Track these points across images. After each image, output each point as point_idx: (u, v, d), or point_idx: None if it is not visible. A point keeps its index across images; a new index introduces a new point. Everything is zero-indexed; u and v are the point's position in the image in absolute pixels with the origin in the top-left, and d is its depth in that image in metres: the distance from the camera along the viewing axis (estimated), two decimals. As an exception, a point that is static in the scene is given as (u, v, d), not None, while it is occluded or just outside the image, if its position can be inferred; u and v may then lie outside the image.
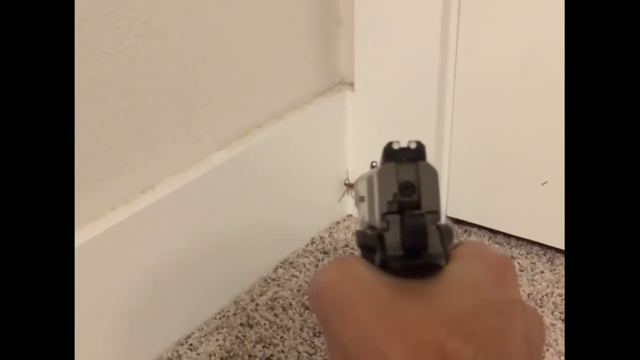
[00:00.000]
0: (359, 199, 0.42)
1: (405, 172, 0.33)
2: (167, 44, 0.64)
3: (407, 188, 0.33)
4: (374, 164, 0.45)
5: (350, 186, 0.89)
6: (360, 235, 0.37)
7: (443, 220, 0.90)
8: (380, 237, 0.33)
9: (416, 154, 0.34)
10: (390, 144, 0.34)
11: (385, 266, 0.32)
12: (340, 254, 0.83)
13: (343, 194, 0.89)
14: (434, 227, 0.32)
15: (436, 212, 0.33)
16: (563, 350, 0.68)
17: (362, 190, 0.39)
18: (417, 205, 0.33)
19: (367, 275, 0.32)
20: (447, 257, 0.33)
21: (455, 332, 0.29)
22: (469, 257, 0.34)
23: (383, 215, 0.33)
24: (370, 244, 0.34)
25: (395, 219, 0.33)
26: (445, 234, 0.33)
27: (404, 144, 0.34)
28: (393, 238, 0.32)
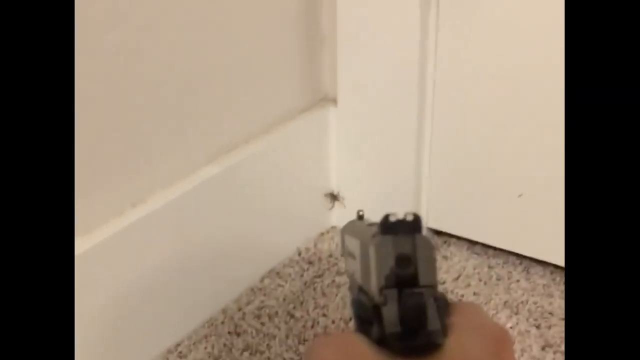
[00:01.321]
0: (349, 255, 0.43)
1: (403, 244, 0.34)
2: (159, 62, 0.67)
3: (404, 260, 0.34)
4: (360, 213, 0.46)
5: (334, 197, 0.91)
6: (357, 306, 0.38)
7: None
8: (378, 312, 0.33)
9: (413, 226, 0.34)
10: (387, 217, 0.34)
11: (382, 342, 0.33)
12: (324, 264, 0.86)
13: (332, 205, 0.92)
14: (432, 300, 0.33)
15: (433, 286, 0.34)
16: (537, 355, 0.71)
17: (354, 249, 0.40)
18: (414, 277, 0.33)
19: (366, 354, 0.33)
20: (445, 330, 0.33)
21: None
22: (466, 330, 0.34)
23: (381, 290, 0.33)
24: (367, 317, 0.34)
25: (393, 293, 0.33)
26: (442, 306, 0.33)
27: (400, 216, 0.35)
28: (391, 314, 0.32)
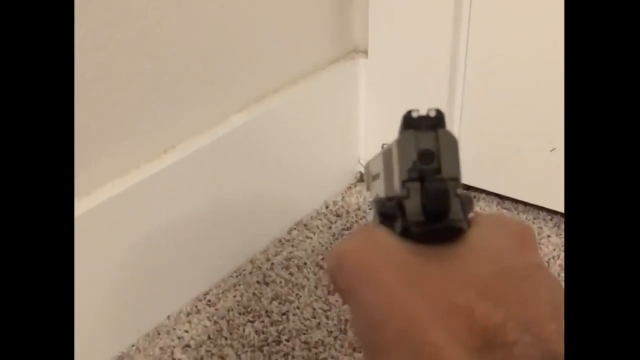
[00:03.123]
0: (372, 178, 0.42)
1: (425, 140, 0.33)
2: (192, 9, 0.66)
3: (427, 156, 0.33)
4: (384, 146, 0.46)
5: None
6: (380, 204, 0.36)
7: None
8: (401, 205, 0.32)
9: (436, 122, 0.34)
10: (409, 113, 0.34)
11: (406, 233, 0.32)
12: (353, 217, 0.86)
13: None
14: (455, 194, 0.32)
15: (457, 180, 0.33)
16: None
17: (376, 168, 0.39)
18: (438, 172, 0.33)
19: (390, 242, 0.32)
20: (468, 223, 0.33)
21: (484, 296, 0.29)
22: (489, 224, 0.34)
23: (403, 183, 0.33)
24: (390, 212, 0.34)
25: (415, 186, 0.32)
26: (466, 201, 0.33)
27: (423, 112, 0.34)
28: (414, 205, 0.32)
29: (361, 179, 0.93)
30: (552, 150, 0.80)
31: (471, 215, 0.34)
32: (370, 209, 0.38)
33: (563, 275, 0.75)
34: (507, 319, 0.28)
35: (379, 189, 0.38)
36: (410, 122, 0.33)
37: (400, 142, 0.33)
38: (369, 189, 0.46)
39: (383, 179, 0.37)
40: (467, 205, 0.33)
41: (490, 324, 0.28)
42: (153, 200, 0.67)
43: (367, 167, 0.46)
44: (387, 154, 0.36)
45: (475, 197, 0.89)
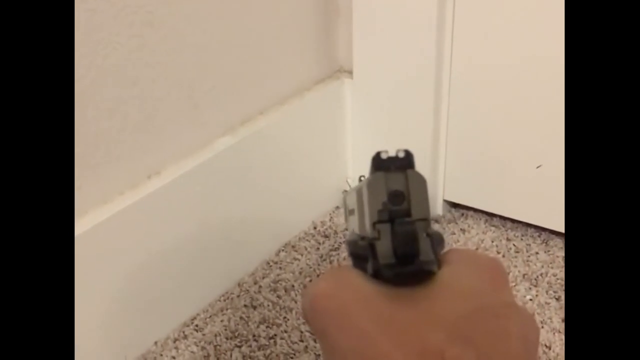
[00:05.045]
0: (349, 212, 0.42)
1: (395, 180, 0.34)
2: (173, 33, 0.66)
3: (396, 196, 0.33)
4: (362, 178, 0.46)
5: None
6: (351, 245, 0.37)
7: (440, 206, 0.91)
8: (372, 246, 0.33)
9: (405, 162, 0.34)
10: (378, 154, 0.34)
11: (377, 275, 0.32)
12: (340, 237, 0.85)
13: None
14: (425, 234, 0.33)
15: (426, 220, 0.33)
16: (557, 327, 0.70)
17: (352, 202, 0.39)
18: (407, 213, 0.33)
19: (361, 284, 0.32)
20: (439, 264, 0.33)
21: (454, 337, 0.29)
22: (460, 261, 0.34)
23: (374, 225, 0.33)
24: (361, 253, 0.34)
25: (386, 227, 0.33)
26: (436, 240, 0.33)
27: (392, 153, 0.34)
28: (385, 246, 0.32)
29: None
30: (538, 167, 0.80)
31: (442, 251, 0.35)
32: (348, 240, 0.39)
33: (551, 291, 0.75)
34: (477, 358, 0.28)
35: (354, 225, 0.38)
36: (380, 163, 0.34)
37: (370, 183, 0.34)
38: (345, 220, 0.47)
39: (357, 215, 0.37)
40: (437, 243, 0.33)
41: None
42: (137, 226, 0.66)
43: (344, 199, 0.47)
44: (359, 192, 0.36)
45: (463, 214, 0.89)
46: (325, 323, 0.32)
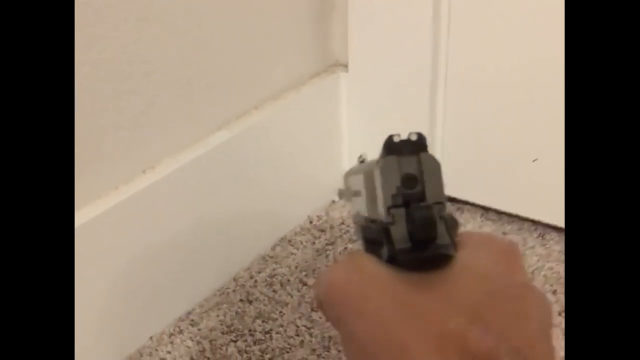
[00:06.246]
0: (353, 194, 0.41)
1: (408, 164, 0.33)
2: (168, 28, 0.65)
3: (410, 180, 0.33)
4: (361, 159, 0.45)
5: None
6: (365, 230, 0.36)
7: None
8: (387, 231, 0.32)
9: (417, 145, 0.33)
10: (390, 137, 0.34)
11: (393, 260, 0.32)
12: (336, 232, 0.85)
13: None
14: (440, 218, 0.32)
15: (441, 203, 0.33)
16: (554, 321, 0.70)
17: (357, 184, 0.39)
18: (422, 197, 0.33)
19: (377, 270, 0.32)
20: (455, 246, 0.33)
21: (475, 321, 0.29)
22: (475, 245, 0.34)
23: (388, 209, 0.33)
24: (376, 238, 0.34)
25: (400, 212, 0.32)
26: (451, 224, 0.33)
27: (404, 137, 0.34)
28: (400, 231, 0.32)
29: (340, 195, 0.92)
30: (534, 161, 0.80)
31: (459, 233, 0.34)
32: (355, 223, 0.39)
33: (547, 286, 0.75)
34: (498, 343, 0.28)
35: (361, 207, 0.38)
36: (392, 147, 0.33)
37: (382, 167, 0.33)
38: (347, 200, 0.46)
39: (365, 198, 0.36)
40: (452, 227, 0.33)
41: (483, 350, 0.28)
42: (132, 221, 0.66)
43: (345, 179, 0.46)
44: (368, 175, 0.35)
45: (459, 208, 0.89)
46: (342, 310, 0.31)
